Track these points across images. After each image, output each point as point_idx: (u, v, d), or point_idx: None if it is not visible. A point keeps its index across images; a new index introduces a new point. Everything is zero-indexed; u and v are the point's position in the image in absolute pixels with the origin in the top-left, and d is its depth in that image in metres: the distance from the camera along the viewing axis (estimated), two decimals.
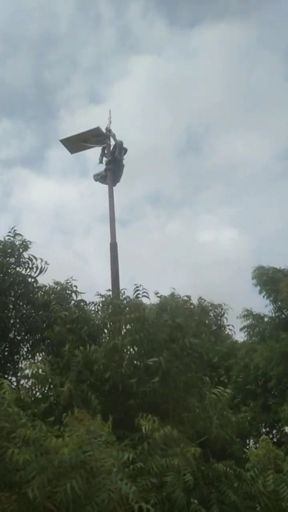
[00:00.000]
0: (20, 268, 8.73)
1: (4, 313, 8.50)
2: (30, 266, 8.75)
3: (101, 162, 13.09)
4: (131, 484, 5.41)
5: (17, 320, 8.47)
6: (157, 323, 7.49)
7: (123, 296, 8.88)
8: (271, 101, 36.52)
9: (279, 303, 12.58)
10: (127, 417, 6.91)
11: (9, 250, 8.70)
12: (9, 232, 8.94)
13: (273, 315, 12.80)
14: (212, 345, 7.84)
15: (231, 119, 39.49)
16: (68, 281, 9.06)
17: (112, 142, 13.05)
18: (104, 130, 13.05)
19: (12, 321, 8.65)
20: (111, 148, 13.01)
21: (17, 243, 8.83)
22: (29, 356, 8.48)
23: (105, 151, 13.10)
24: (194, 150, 44.25)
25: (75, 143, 12.99)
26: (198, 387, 8.13)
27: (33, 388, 7.09)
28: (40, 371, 6.84)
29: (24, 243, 8.83)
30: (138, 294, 8.12)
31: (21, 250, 8.77)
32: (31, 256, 8.79)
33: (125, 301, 8.52)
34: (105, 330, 8.77)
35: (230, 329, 9.00)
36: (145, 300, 8.12)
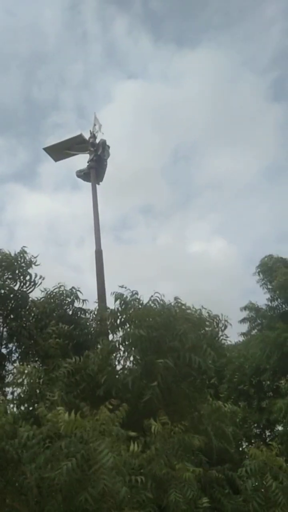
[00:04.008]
0: (14, 283, 8.63)
1: None
2: (24, 280, 8.67)
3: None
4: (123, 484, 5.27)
5: (6, 334, 8.37)
6: (163, 324, 7.38)
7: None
8: (253, 120, 37.00)
9: (273, 293, 12.56)
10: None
11: (4, 264, 8.56)
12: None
13: (270, 304, 12.80)
14: (212, 362, 7.71)
15: (217, 138, 40.98)
16: (67, 289, 9.10)
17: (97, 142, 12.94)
18: (86, 138, 13.04)
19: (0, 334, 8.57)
20: (95, 147, 12.83)
21: (20, 258, 8.66)
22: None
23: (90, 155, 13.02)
24: (182, 167, 45.22)
25: (59, 151, 12.98)
26: (195, 398, 8.02)
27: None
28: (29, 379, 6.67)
29: (31, 259, 8.70)
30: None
31: (24, 266, 8.65)
32: (29, 273, 8.71)
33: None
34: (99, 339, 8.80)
35: (224, 339, 8.75)
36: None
